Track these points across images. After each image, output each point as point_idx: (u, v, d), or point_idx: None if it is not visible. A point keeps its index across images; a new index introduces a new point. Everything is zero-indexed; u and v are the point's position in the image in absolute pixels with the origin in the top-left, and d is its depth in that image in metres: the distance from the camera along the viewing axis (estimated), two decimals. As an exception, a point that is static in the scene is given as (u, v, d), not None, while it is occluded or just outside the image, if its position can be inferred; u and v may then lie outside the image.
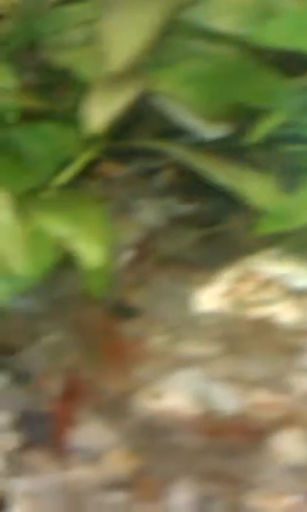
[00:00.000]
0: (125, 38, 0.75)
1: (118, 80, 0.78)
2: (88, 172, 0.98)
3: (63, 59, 0.86)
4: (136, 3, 0.77)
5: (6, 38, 0.95)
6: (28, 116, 0.96)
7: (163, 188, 0.96)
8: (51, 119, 0.96)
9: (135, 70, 0.80)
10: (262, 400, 0.70)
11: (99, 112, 0.77)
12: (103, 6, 0.79)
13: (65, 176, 0.88)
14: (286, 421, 0.68)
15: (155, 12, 0.75)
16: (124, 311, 0.80)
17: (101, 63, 0.84)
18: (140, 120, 1.02)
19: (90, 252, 0.76)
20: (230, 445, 0.67)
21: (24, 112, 0.94)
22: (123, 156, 1.01)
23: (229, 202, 0.94)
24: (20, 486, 0.67)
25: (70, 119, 0.97)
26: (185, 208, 0.93)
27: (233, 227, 0.90)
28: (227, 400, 0.70)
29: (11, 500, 0.66)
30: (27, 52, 1.01)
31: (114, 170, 1.00)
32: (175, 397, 0.70)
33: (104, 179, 0.99)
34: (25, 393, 0.73)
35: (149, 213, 0.92)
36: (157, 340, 0.76)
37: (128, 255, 0.86)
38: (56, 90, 1.02)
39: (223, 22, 0.86)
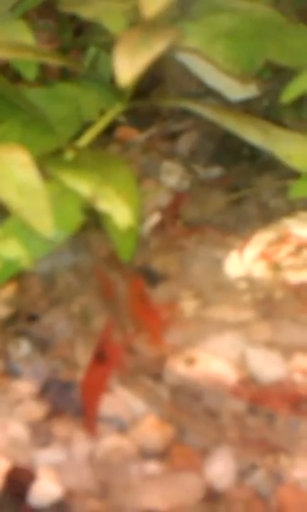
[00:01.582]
0: None
1: (147, 32, 0.74)
2: (107, 136, 0.94)
3: (86, 13, 0.82)
4: None
5: None
6: (46, 77, 0.93)
7: (186, 152, 0.92)
8: (70, 80, 0.93)
9: (165, 22, 0.76)
10: (303, 366, 0.67)
11: (128, 66, 0.72)
12: None
13: (87, 138, 0.85)
14: None
15: None
16: (151, 276, 0.76)
17: (127, 16, 0.81)
18: (160, 80, 0.99)
19: (118, 213, 0.72)
20: (271, 412, 0.64)
21: (42, 72, 0.90)
22: (141, 118, 0.98)
23: (255, 165, 0.91)
24: (47, 456, 0.64)
25: (89, 79, 0.94)
26: (211, 172, 0.89)
27: (260, 191, 0.87)
28: (267, 366, 0.66)
29: (38, 472, 0.63)
30: (43, 12, 0.98)
31: (133, 133, 0.96)
32: (210, 362, 0.66)
33: (123, 144, 0.96)
34: (49, 361, 0.69)
35: (174, 177, 0.88)
36: (188, 305, 0.72)
37: (154, 219, 0.82)
38: (72, 51, 0.99)
39: None
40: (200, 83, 0.94)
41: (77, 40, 0.98)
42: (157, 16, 0.68)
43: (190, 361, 0.66)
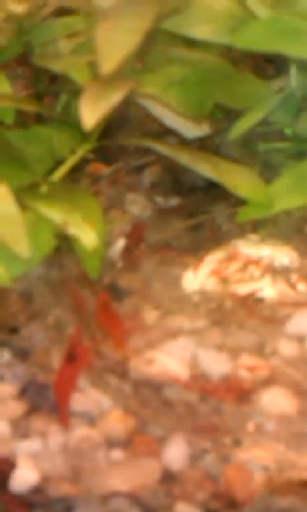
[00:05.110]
0: (117, 43, 0.82)
1: (108, 83, 0.85)
2: (79, 171, 1.05)
3: (56, 66, 0.93)
4: (128, 12, 0.84)
5: (1, 49, 1.03)
6: (24, 120, 1.04)
7: (148, 184, 1.03)
8: (44, 123, 1.04)
9: (123, 74, 0.87)
10: (248, 364, 0.76)
11: (91, 113, 0.83)
12: (97, 13, 0.87)
13: (59, 173, 0.95)
14: (269, 381, 0.74)
15: (145, 20, 0.82)
16: (118, 292, 0.86)
17: (92, 69, 0.92)
18: (127, 121, 1.10)
19: (86, 237, 0.82)
20: (219, 402, 0.73)
21: (20, 116, 1.01)
22: (110, 155, 1.09)
23: (210, 195, 1.02)
24: (26, 447, 0.73)
25: (62, 122, 1.05)
26: (170, 201, 1.00)
27: (214, 217, 0.97)
28: (216, 364, 0.76)
29: (18, 461, 0.71)
30: (21, 61, 1.09)
31: (102, 169, 1.07)
32: (166, 362, 0.76)
33: (93, 177, 1.06)
34: (27, 367, 0.78)
35: (137, 207, 0.98)
36: (149, 316, 0.82)
37: (120, 244, 0.92)
38: (47, 97, 1.10)
39: (201, 30, 0.94)
40: (160, 123, 1.05)
41: (51, 87, 1.09)
42: (114, 72, 0.78)
43: (150, 361, 0.76)
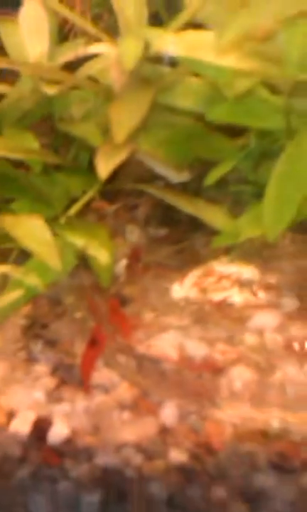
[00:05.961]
0: (126, 120, 1.07)
1: (116, 144, 1.10)
2: (85, 207, 1.30)
3: (76, 132, 1.17)
4: (134, 94, 1.10)
5: (28, 114, 1.28)
6: (45, 167, 1.29)
7: (143, 218, 1.28)
8: (60, 169, 1.29)
9: (129, 137, 1.12)
10: (221, 349, 1.01)
11: (105, 166, 1.09)
12: (103, 91, 1.13)
13: (74, 209, 1.20)
14: (236, 361, 0.99)
15: (146, 100, 1.08)
16: (122, 299, 1.10)
17: (104, 134, 1.17)
18: (125, 169, 1.35)
19: (101, 256, 1.07)
20: (200, 376, 0.97)
21: (44, 164, 1.26)
22: (111, 194, 1.34)
23: (191, 226, 1.27)
24: (59, 410, 0.95)
25: (74, 168, 1.30)
26: (160, 231, 1.25)
27: (195, 243, 1.22)
28: (198, 350, 1.00)
29: (54, 420, 0.94)
30: (43, 123, 1.34)
31: (104, 205, 1.32)
32: (162, 347, 1.00)
33: (98, 212, 1.31)
34: (57, 352, 1.02)
35: (135, 235, 1.23)
36: (147, 317, 1.06)
37: (123, 263, 1.17)
38: (62, 149, 1.35)
39: (185, 102, 1.21)
40: (151, 170, 1.31)
41: (65, 140, 1.35)
42: (125, 140, 1.03)
43: (149, 347, 1.00)
